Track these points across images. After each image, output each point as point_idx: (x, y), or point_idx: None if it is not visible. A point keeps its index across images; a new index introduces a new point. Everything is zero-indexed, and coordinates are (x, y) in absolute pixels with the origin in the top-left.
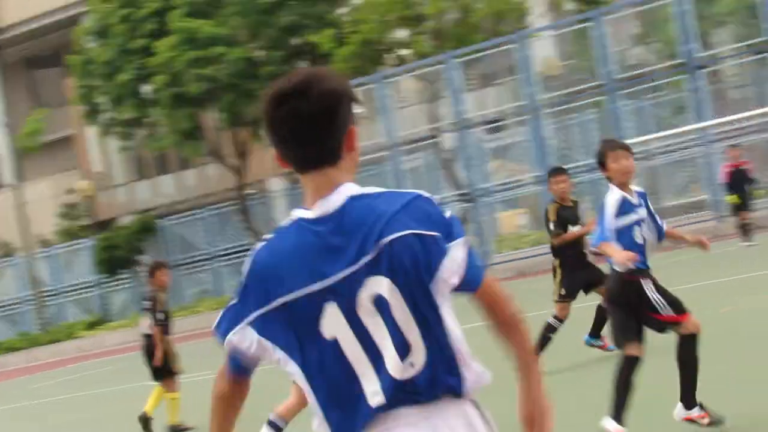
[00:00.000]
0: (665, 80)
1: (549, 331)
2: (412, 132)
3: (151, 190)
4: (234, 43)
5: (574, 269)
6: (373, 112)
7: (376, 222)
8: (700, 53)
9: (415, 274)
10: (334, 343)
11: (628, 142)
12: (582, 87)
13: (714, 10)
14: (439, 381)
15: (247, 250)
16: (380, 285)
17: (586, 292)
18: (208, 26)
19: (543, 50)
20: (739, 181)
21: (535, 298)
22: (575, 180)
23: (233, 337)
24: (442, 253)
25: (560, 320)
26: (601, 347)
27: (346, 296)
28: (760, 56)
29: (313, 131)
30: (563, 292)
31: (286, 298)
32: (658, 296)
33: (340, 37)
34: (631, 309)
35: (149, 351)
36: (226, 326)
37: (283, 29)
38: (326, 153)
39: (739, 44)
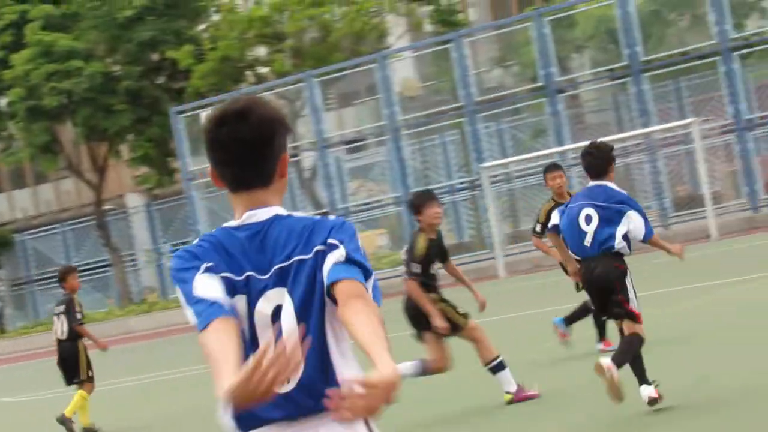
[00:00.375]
0: (524, 103)
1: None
2: None
3: (7, 203)
4: (91, 57)
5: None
6: None
7: (291, 241)
8: (559, 77)
9: (311, 294)
10: None
11: (487, 165)
12: (442, 108)
13: (573, 35)
14: (318, 396)
15: (105, 265)
16: (281, 297)
17: None
18: (65, 40)
19: (403, 71)
20: None
21: (391, 320)
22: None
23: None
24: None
25: None
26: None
27: (250, 298)
28: (618, 81)
29: (251, 154)
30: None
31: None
32: (634, 290)
33: (199, 54)
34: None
35: (65, 355)
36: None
37: (141, 44)
38: (260, 176)
39: (598, 69)
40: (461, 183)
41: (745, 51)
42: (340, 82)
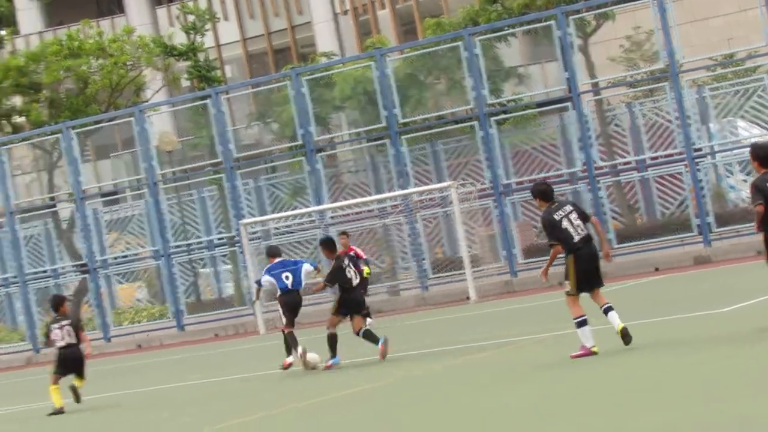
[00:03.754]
0: (283, 161)
1: None
2: (28, 200)
3: None
4: None
5: None
6: None
7: None
8: (318, 136)
9: None
10: None
11: (246, 221)
12: (200, 164)
13: (331, 95)
14: None
15: None
16: None
17: None
18: None
19: (160, 125)
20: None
21: (152, 372)
22: (194, 256)
23: None
24: None
25: None
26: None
27: None
28: (376, 143)
29: None
30: None
31: None
32: None
33: None
34: None
35: (74, 356)
36: None
37: None
38: None
39: (356, 129)
40: (220, 239)
41: (501, 117)
42: (96, 134)
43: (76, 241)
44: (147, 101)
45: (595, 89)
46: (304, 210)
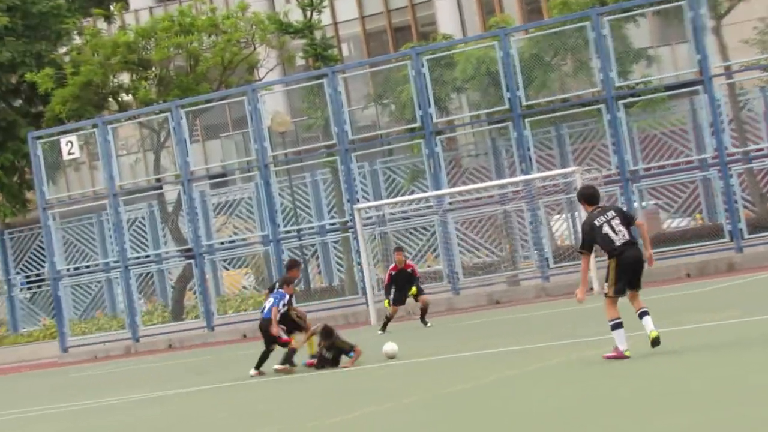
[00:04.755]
0: (401, 144)
1: None
2: (132, 181)
3: None
4: None
5: None
6: (93, 157)
7: None
8: (437, 118)
9: None
10: None
11: (361, 206)
12: (314, 146)
13: (451, 75)
14: None
15: None
16: None
17: None
18: None
19: (273, 105)
20: (402, 282)
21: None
22: (304, 242)
23: None
24: None
25: None
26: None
27: None
28: (498, 125)
29: None
30: None
31: None
32: None
33: (60, 78)
34: None
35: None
36: None
37: None
38: None
39: (478, 111)
40: (332, 224)
41: (629, 100)
42: (206, 114)
43: (181, 224)
44: (260, 80)
45: (728, 72)
46: (421, 195)
